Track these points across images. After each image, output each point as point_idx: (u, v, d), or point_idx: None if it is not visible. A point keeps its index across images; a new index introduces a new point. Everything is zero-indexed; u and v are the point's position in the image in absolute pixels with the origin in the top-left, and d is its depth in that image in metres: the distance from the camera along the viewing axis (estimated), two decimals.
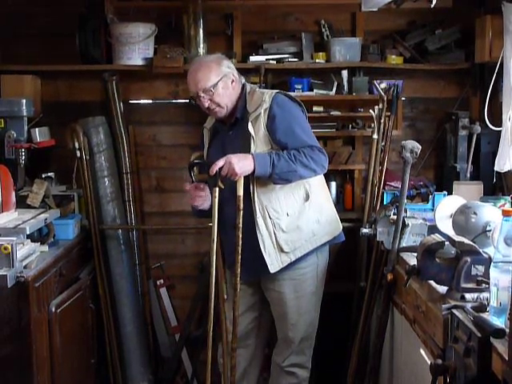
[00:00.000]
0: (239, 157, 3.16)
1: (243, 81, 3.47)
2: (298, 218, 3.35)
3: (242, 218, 3.21)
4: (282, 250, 3.33)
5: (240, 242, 3.21)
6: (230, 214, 3.29)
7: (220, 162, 3.14)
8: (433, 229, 3.30)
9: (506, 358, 1.98)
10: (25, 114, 3.97)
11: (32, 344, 3.12)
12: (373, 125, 4.13)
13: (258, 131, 3.28)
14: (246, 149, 3.27)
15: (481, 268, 2.56)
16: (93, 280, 4.20)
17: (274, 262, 3.34)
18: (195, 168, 3.46)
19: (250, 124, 3.28)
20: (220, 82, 3.29)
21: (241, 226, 3.21)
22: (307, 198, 3.36)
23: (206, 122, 3.59)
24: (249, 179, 3.25)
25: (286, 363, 3.55)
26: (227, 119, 3.42)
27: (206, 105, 3.30)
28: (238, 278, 3.30)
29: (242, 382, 3.65)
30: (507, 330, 2.07)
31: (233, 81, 3.35)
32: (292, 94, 3.69)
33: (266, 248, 3.31)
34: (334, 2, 4.45)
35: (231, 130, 3.42)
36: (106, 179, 4.39)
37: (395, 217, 3.36)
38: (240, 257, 3.24)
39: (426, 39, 4.35)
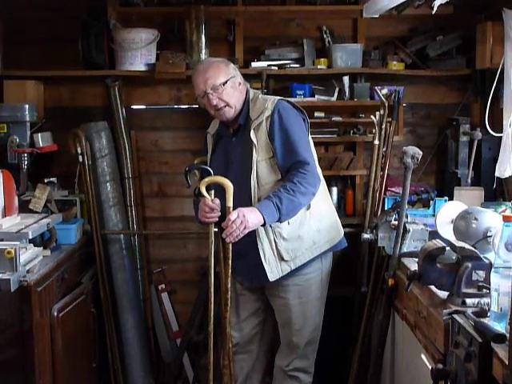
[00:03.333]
0: (250, 210, 3.10)
1: (248, 86, 3.48)
2: (299, 227, 3.34)
3: None
4: (282, 259, 3.33)
5: (230, 254, 3.19)
6: None
7: (233, 215, 3.07)
8: (434, 234, 3.30)
9: (507, 363, 1.98)
10: (27, 119, 3.98)
11: (34, 348, 3.13)
12: (374, 130, 4.13)
13: (259, 139, 3.28)
14: (248, 156, 3.28)
15: (481, 273, 2.56)
16: (95, 284, 4.21)
17: (273, 270, 3.34)
18: (197, 172, 3.45)
19: (252, 131, 3.28)
20: (229, 81, 3.30)
21: None
22: (308, 206, 3.34)
23: (210, 128, 3.59)
24: (249, 184, 3.27)
25: (289, 367, 3.55)
26: (231, 125, 3.43)
27: (215, 102, 3.28)
28: (229, 285, 3.27)
29: None
30: (508, 335, 2.08)
31: (240, 83, 3.37)
32: (293, 99, 3.71)
33: (265, 256, 3.31)
34: (335, 8, 4.47)
35: (234, 136, 3.43)
36: (108, 184, 4.40)
37: (396, 222, 3.36)
38: (230, 264, 3.22)
39: (428, 45, 4.37)
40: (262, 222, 3.11)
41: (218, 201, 3.21)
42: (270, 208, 3.12)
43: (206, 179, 3.18)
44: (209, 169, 3.26)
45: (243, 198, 3.21)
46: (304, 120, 3.43)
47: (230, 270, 3.23)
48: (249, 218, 3.07)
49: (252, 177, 3.27)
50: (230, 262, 3.21)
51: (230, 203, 3.12)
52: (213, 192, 3.22)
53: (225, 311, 3.32)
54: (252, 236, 3.24)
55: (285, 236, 3.31)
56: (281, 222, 3.23)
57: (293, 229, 3.32)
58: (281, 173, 3.29)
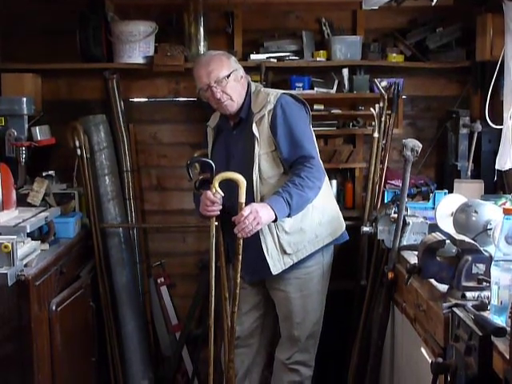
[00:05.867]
0: (262, 206, 3.09)
1: (249, 79, 3.47)
2: (302, 220, 3.33)
3: None
4: (284, 252, 3.33)
5: (240, 250, 3.17)
6: (236, 214, 3.28)
7: (246, 211, 3.05)
8: (433, 227, 3.29)
9: (507, 357, 1.98)
10: (25, 112, 3.96)
11: (32, 342, 3.12)
12: (373, 123, 4.12)
13: (262, 132, 3.26)
14: (250, 149, 3.27)
15: (482, 266, 2.56)
16: (93, 278, 4.20)
17: (276, 264, 3.33)
18: (197, 165, 3.44)
19: (254, 125, 3.27)
20: (232, 74, 3.28)
21: None
22: None
23: (210, 121, 3.57)
24: (251, 178, 3.25)
25: (290, 361, 3.54)
26: (232, 118, 3.41)
27: (218, 96, 3.27)
28: (238, 288, 3.28)
29: (244, 380, 3.66)
30: (508, 329, 2.07)
31: (241, 77, 3.36)
32: (292, 92, 3.69)
33: (268, 250, 3.31)
34: (334, 0, 4.45)
35: (235, 129, 3.42)
36: (106, 177, 4.39)
37: (396, 215, 3.35)
38: (240, 259, 3.20)
39: (427, 37, 4.35)
40: (274, 217, 3.11)
41: (219, 194, 3.20)
42: (281, 203, 3.11)
43: (221, 175, 3.15)
44: (210, 162, 3.25)
45: (246, 192, 3.19)
46: (306, 113, 3.42)
47: (239, 266, 3.21)
48: (261, 213, 3.07)
49: (254, 170, 3.26)
50: (240, 257, 3.19)
51: (242, 199, 3.11)
52: (213, 185, 3.21)
53: (233, 305, 3.31)
54: None
55: (287, 230, 3.31)
56: (290, 217, 3.22)
57: (295, 222, 3.32)
58: (283, 167, 3.29)
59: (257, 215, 3.06)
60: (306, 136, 3.31)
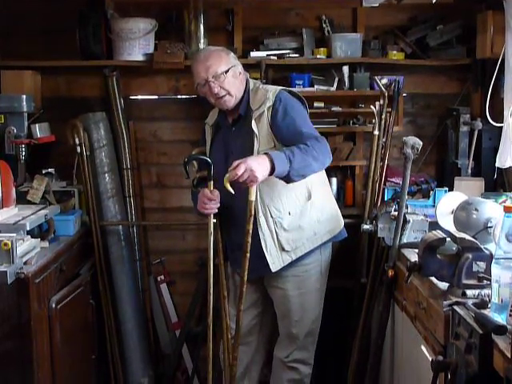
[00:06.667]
0: (257, 160, 2.99)
1: (247, 76, 3.46)
2: (300, 218, 3.33)
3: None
4: (283, 249, 3.33)
5: (249, 248, 3.13)
6: (235, 210, 3.28)
7: (240, 170, 2.95)
8: (434, 225, 3.29)
9: (508, 355, 1.97)
10: (25, 109, 3.95)
11: (32, 340, 3.11)
12: (374, 121, 4.12)
13: (261, 129, 3.26)
14: (249, 146, 3.26)
15: (482, 264, 2.55)
16: (93, 276, 4.20)
17: (275, 261, 3.33)
18: (195, 163, 3.44)
19: (253, 122, 3.26)
20: (230, 70, 3.28)
21: (251, 231, 3.11)
22: (309, 197, 3.34)
23: (208, 118, 3.57)
24: None
25: (289, 359, 3.55)
26: (231, 115, 3.40)
27: (216, 91, 3.26)
28: (245, 286, 3.27)
29: (243, 378, 3.66)
30: (509, 327, 2.07)
31: (240, 73, 3.35)
32: (293, 89, 3.69)
33: (267, 247, 3.31)
34: None
35: (234, 126, 3.41)
36: (106, 175, 4.38)
37: (396, 213, 3.35)
38: (248, 257, 3.17)
39: (428, 35, 4.34)
40: (269, 170, 2.97)
41: (216, 192, 3.20)
42: (282, 158, 3.00)
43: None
44: (208, 159, 3.24)
45: (244, 188, 3.18)
46: (305, 108, 3.42)
47: (247, 263, 3.18)
48: (257, 171, 2.93)
49: None
50: (248, 255, 3.16)
51: (252, 197, 3.05)
52: (212, 183, 3.20)
53: (239, 304, 3.30)
54: (253, 227, 3.20)
55: (285, 227, 3.31)
56: (288, 181, 3.11)
57: (293, 219, 3.32)
58: None
59: (251, 173, 2.93)
60: (307, 126, 3.28)
